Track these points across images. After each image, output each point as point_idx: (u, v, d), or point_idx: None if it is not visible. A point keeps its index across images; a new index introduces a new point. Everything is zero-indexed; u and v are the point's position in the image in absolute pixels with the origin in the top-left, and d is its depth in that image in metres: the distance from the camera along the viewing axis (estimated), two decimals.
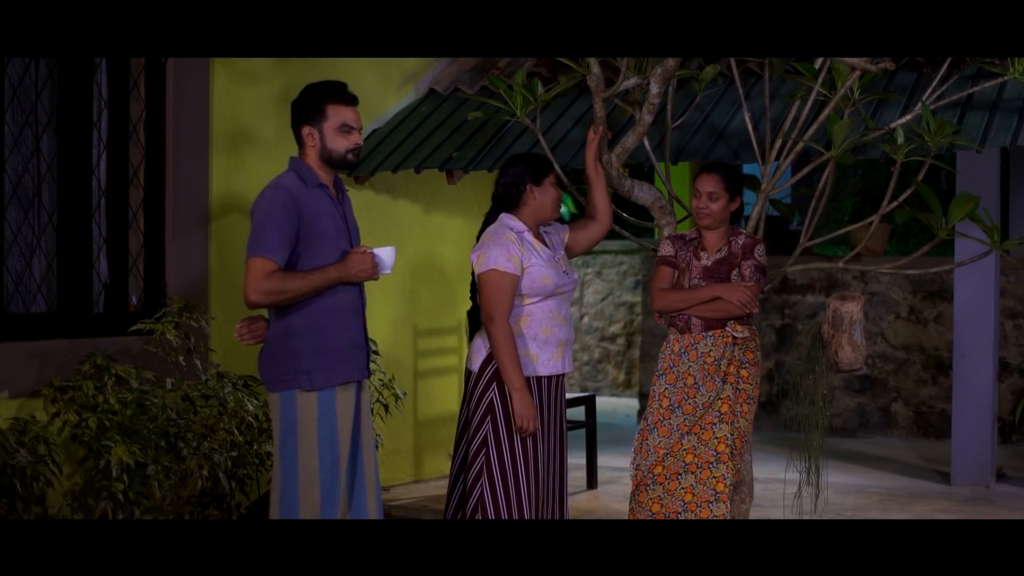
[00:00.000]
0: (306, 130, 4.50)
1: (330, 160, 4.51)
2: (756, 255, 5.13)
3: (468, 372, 4.96)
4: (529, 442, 4.85)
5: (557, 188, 5.00)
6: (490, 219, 5.01)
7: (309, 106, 4.51)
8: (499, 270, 4.80)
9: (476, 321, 5.03)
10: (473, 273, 4.98)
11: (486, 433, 4.82)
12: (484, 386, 4.86)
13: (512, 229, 4.91)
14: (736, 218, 5.29)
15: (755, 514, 5.44)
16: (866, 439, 9.46)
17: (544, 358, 4.91)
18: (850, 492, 7.38)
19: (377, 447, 6.65)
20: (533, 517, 4.85)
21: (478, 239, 5.00)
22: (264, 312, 4.58)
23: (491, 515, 4.78)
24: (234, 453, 5.79)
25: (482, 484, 4.80)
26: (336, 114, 4.49)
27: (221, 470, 5.68)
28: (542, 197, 4.94)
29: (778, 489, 5.94)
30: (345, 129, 4.50)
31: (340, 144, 4.50)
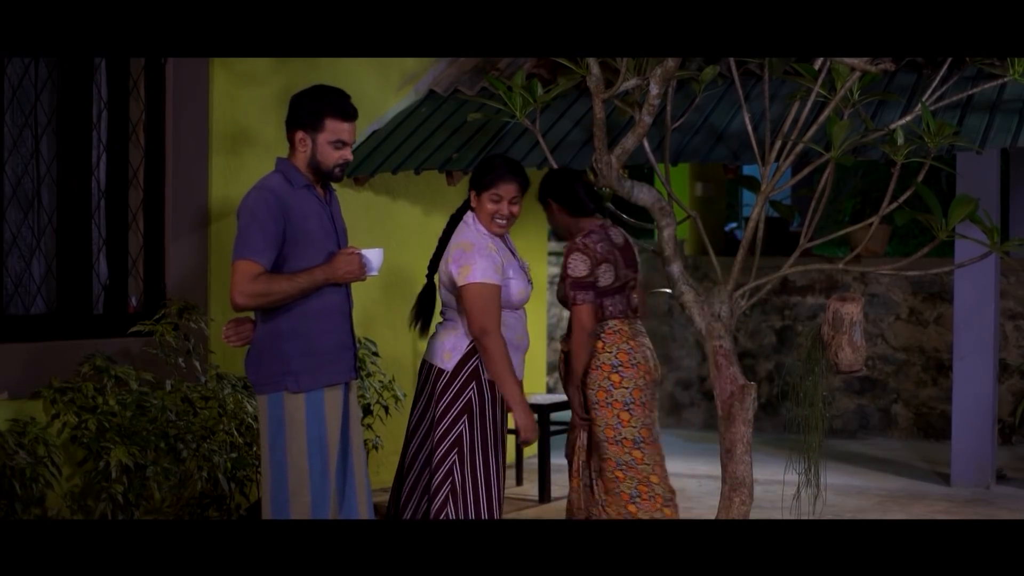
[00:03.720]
0: (300, 135, 4.49)
1: (317, 170, 4.50)
2: (568, 271, 5.22)
3: (436, 370, 4.94)
4: (495, 444, 4.93)
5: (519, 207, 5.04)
6: (458, 214, 5.07)
7: (308, 113, 4.48)
8: (489, 283, 4.82)
9: (427, 302, 5.07)
10: (438, 255, 5.01)
11: (460, 432, 4.85)
12: (461, 385, 4.88)
13: (486, 236, 4.95)
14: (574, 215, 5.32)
15: (755, 515, 5.43)
16: (866, 440, 9.46)
17: (516, 363, 4.98)
18: (850, 493, 7.38)
19: (377, 448, 6.67)
20: (498, 517, 4.92)
21: (446, 235, 5.03)
22: (251, 314, 4.57)
23: (460, 515, 4.81)
24: (234, 455, 5.79)
25: (451, 482, 4.82)
26: (333, 128, 4.46)
27: (221, 472, 5.68)
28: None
29: (778, 491, 5.93)
30: (339, 144, 4.48)
31: (330, 158, 4.48)
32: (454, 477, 4.81)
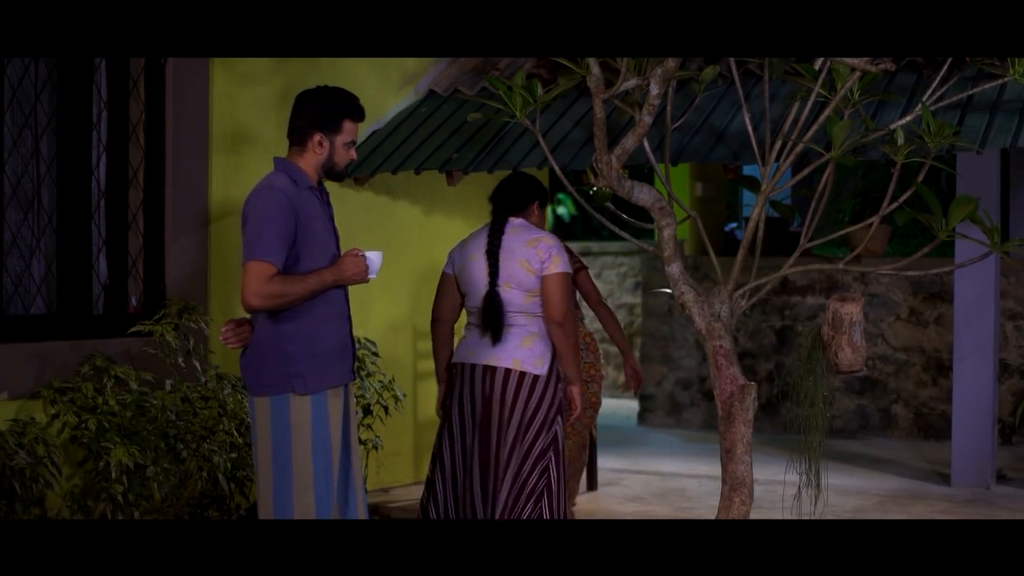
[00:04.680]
0: (317, 137, 4.49)
1: (330, 171, 4.54)
2: None
3: (529, 376, 5.16)
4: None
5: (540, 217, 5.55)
6: (500, 220, 5.31)
7: (328, 115, 4.49)
8: (568, 274, 5.24)
9: (497, 311, 5.18)
10: (494, 275, 5.19)
11: (555, 432, 5.19)
12: (554, 387, 5.22)
13: None
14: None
15: (755, 515, 5.43)
16: (866, 441, 9.46)
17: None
18: (850, 494, 7.37)
19: (378, 448, 6.67)
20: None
21: (498, 243, 5.23)
22: (248, 314, 4.56)
23: (552, 513, 5.10)
24: (233, 455, 5.79)
25: (547, 479, 5.12)
26: (349, 130, 4.53)
27: (220, 472, 5.68)
28: (538, 218, 5.51)
29: (778, 491, 5.93)
30: (350, 145, 4.55)
31: (343, 158, 4.55)
32: (550, 475, 5.13)
